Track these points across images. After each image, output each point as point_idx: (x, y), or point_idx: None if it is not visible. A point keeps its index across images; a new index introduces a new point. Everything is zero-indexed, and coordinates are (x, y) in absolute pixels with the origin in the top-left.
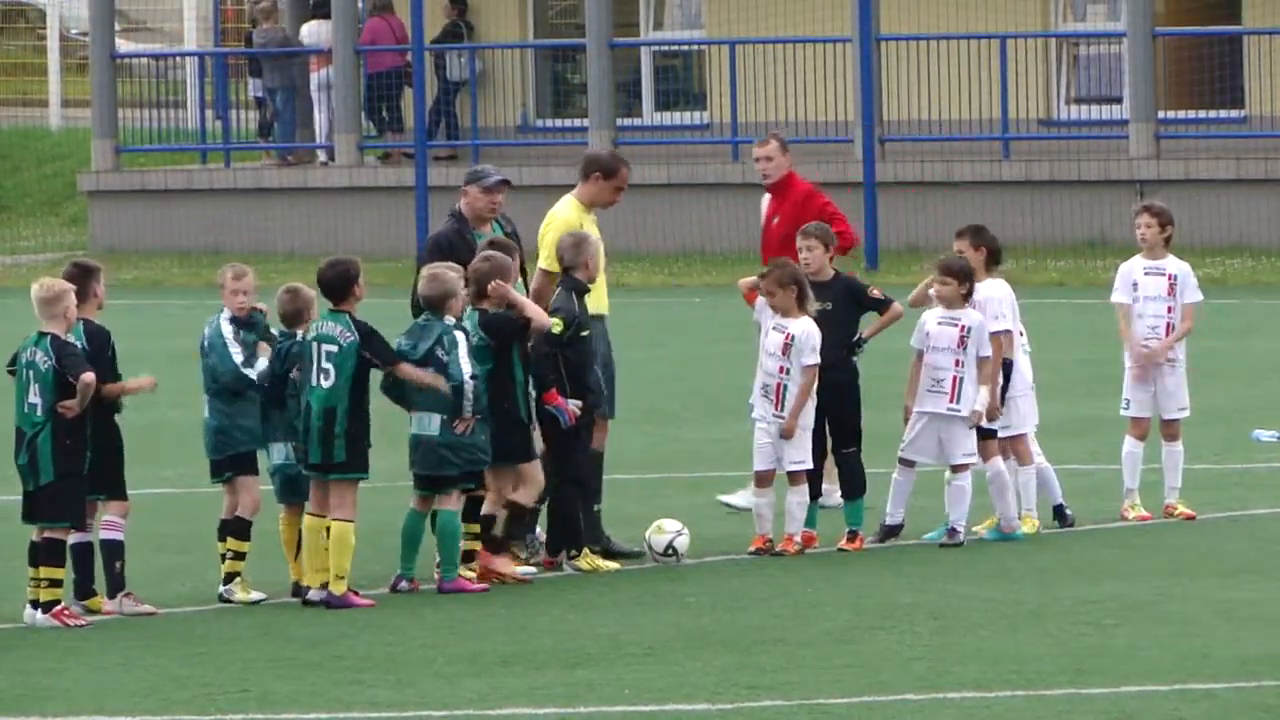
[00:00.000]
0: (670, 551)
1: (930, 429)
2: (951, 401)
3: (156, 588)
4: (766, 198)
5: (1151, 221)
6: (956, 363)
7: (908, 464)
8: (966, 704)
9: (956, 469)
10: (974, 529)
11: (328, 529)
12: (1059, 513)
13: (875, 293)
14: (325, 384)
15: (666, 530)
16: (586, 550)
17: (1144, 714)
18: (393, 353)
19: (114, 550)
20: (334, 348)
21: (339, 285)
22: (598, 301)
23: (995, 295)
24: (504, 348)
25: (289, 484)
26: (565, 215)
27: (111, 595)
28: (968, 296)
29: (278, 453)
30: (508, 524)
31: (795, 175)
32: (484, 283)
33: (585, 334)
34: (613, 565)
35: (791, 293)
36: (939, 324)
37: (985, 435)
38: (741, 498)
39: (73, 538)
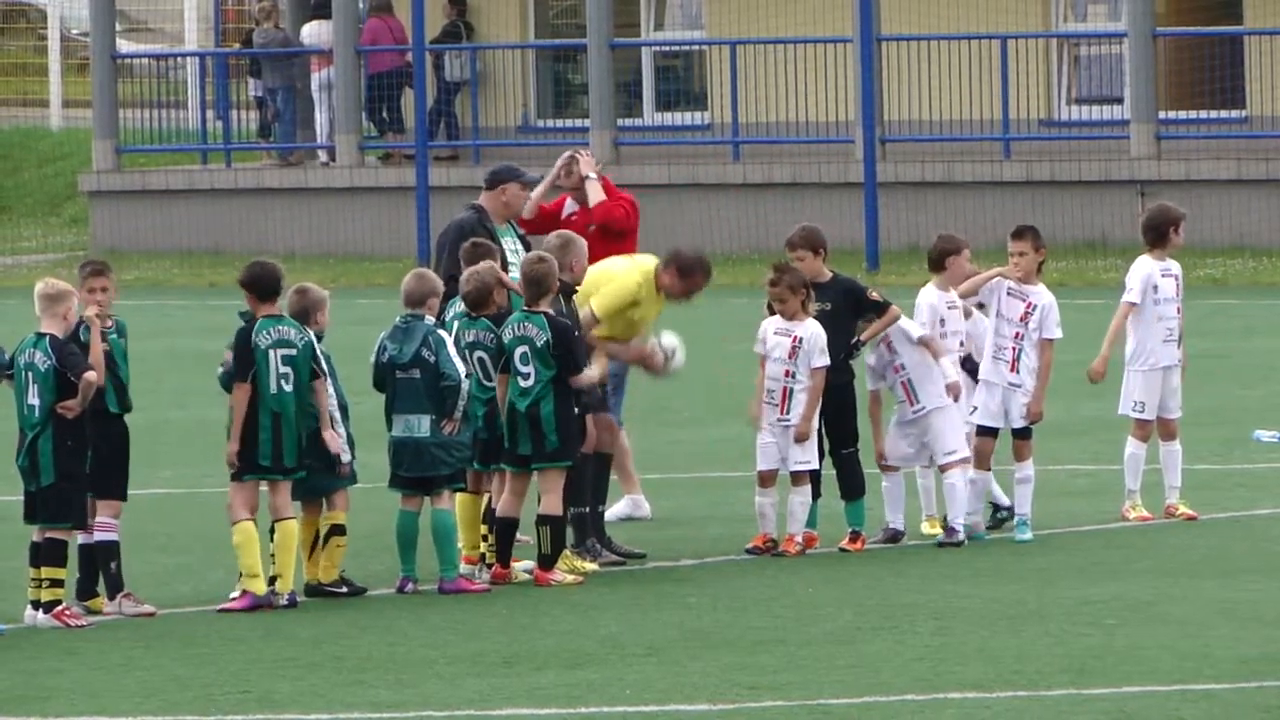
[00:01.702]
0: (672, 352)
1: (903, 434)
2: (913, 405)
3: (158, 588)
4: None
5: (1183, 227)
6: (897, 368)
7: (890, 469)
8: (967, 704)
9: (945, 468)
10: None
11: (271, 529)
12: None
13: (874, 295)
14: (288, 388)
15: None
16: (566, 551)
17: (1145, 714)
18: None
19: (109, 551)
20: (292, 350)
21: (272, 284)
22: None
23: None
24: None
25: (299, 484)
26: (624, 281)
27: (111, 596)
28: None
29: None
30: (554, 538)
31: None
32: (544, 283)
33: (577, 334)
34: (591, 566)
35: (800, 296)
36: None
37: (1021, 435)
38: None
39: (80, 538)
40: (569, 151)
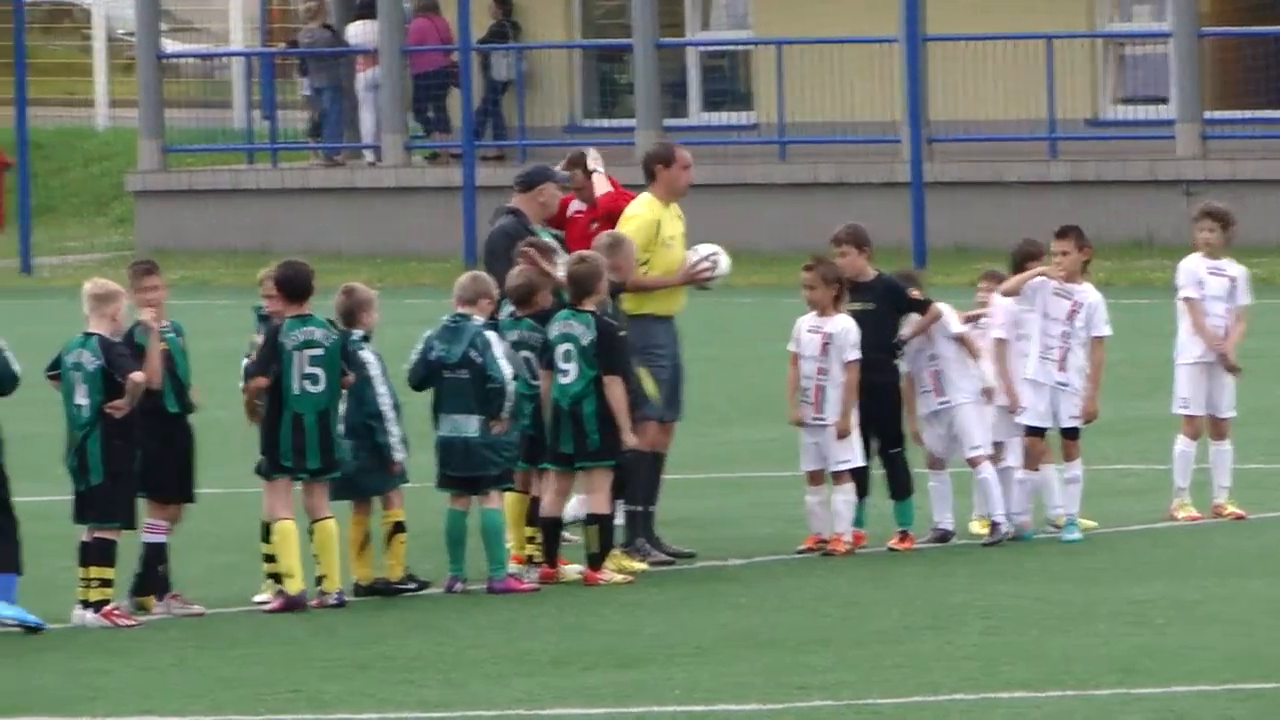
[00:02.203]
0: (713, 258)
1: (929, 426)
2: (939, 397)
3: (207, 588)
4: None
5: (1215, 226)
6: (930, 357)
7: (938, 468)
8: (1016, 704)
9: (973, 463)
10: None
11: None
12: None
13: (915, 294)
14: (315, 389)
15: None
16: (615, 552)
17: (1194, 713)
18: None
19: (157, 553)
20: (319, 350)
21: (303, 285)
22: (670, 303)
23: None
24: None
25: (346, 482)
26: (641, 213)
27: (159, 597)
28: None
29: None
30: (602, 537)
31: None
32: (586, 283)
33: (622, 334)
34: (640, 566)
35: (832, 290)
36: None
37: (1070, 435)
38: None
39: (144, 536)
40: (574, 151)
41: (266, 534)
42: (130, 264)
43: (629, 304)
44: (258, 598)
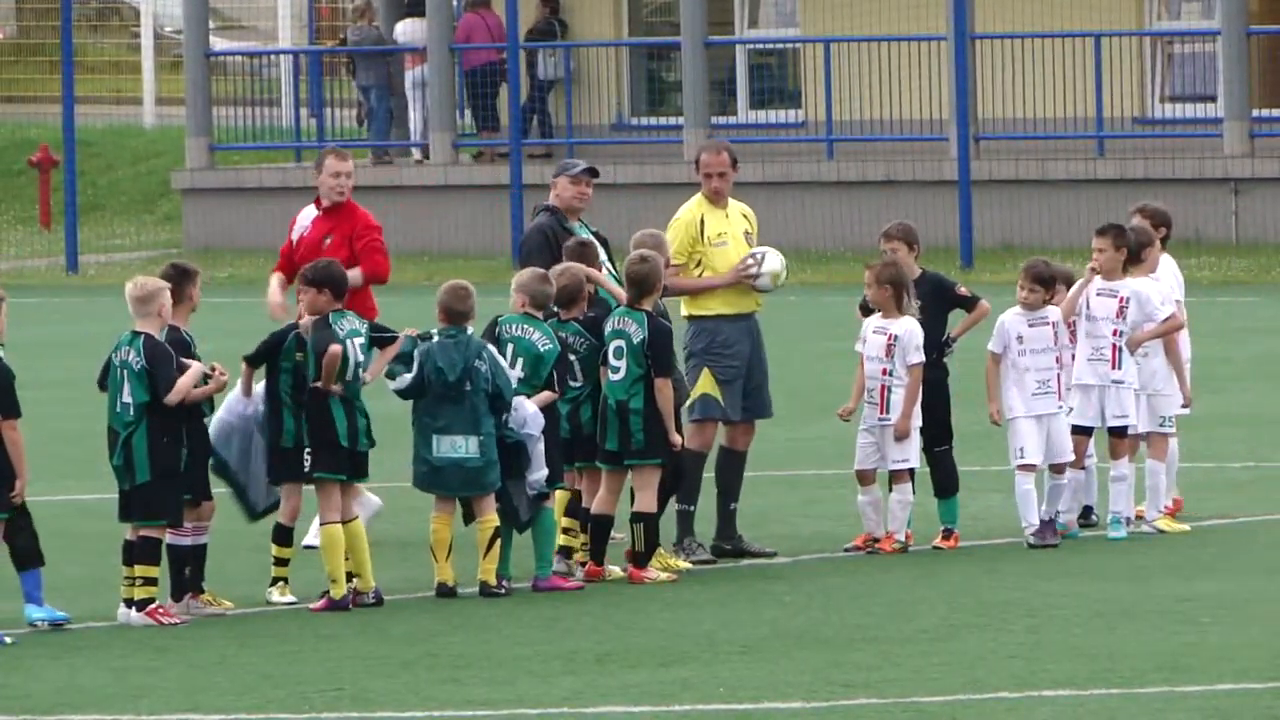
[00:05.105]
0: (756, 258)
1: (1041, 429)
2: (1060, 400)
3: (253, 586)
4: (311, 212)
5: (1144, 223)
6: (1056, 360)
7: (1029, 469)
8: (1061, 702)
9: (1057, 469)
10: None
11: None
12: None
13: (962, 290)
14: (357, 378)
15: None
16: (660, 550)
17: (1239, 712)
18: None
19: (181, 555)
20: (361, 339)
21: (340, 281)
22: (738, 301)
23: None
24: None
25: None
26: (681, 214)
27: (177, 598)
28: (1051, 299)
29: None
30: (648, 536)
31: (356, 204)
32: (646, 283)
33: (671, 337)
34: (684, 565)
35: (886, 291)
36: (1030, 326)
37: (1118, 434)
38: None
39: (170, 537)
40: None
41: (279, 535)
42: (172, 265)
43: (692, 305)
44: (273, 597)
